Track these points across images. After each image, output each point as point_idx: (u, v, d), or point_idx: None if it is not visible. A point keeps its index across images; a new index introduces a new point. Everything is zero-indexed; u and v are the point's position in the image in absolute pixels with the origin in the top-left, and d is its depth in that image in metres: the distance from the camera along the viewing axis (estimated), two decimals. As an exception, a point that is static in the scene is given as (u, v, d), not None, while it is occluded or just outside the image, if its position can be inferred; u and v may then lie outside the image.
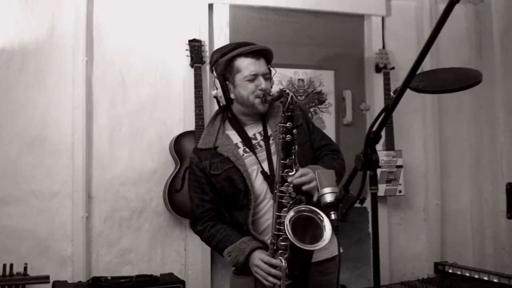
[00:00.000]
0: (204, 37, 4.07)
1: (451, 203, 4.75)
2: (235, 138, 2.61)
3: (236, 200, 2.56)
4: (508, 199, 3.70)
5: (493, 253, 4.66)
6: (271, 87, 2.62)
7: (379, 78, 4.45)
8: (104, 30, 3.97)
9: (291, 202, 2.33)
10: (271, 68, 2.63)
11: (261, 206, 2.54)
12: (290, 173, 2.34)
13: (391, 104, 1.69)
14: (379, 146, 4.42)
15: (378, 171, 4.33)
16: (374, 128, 1.75)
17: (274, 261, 2.33)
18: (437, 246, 4.62)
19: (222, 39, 4.12)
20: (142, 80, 4.04)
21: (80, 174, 3.82)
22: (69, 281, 3.67)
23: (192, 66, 3.95)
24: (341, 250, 2.66)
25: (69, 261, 3.81)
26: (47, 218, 3.80)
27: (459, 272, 4.21)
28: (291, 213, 2.23)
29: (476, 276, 4.05)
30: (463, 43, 4.83)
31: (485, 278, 3.98)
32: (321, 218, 2.20)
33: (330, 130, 4.38)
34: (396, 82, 4.46)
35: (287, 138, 2.35)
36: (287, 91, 2.38)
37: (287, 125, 2.35)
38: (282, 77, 4.29)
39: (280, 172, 2.36)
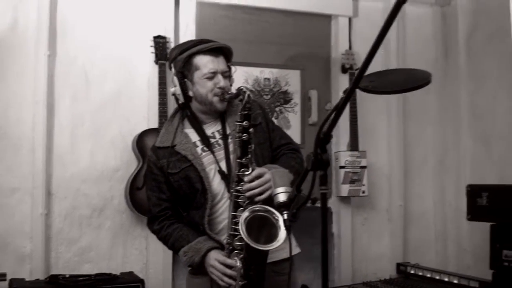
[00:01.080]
0: (169, 34, 4.02)
1: (414, 204, 4.78)
2: (194, 136, 2.59)
3: (193, 199, 2.54)
4: (468, 201, 3.74)
5: (455, 254, 4.70)
6: (231, 85, 2.60)
7: (345, 79, 4.46)
8: (68, 24, 3.91)
9: (247, 202, 2.32)
10: (231, 66, 2.61)
11: (218, 206, 2.52)
12: (246, 173, 2.33)
13: (340, 104, 1.69)
14: (343, 147, 4.44)
15: (342, 171, 4.35)
16: (325, 128, 1.74)
17: (229, 261, 2.32)
18: (400, 246, 4.65)
19: (188, 36, 4.07)
20: (106, 76, 3.98)
21: (40, 170, 3.75)
22: (27, 279, 3.60)
23: (156, 63, 3.91)
24: (298, 251, 2.68)
25: (27, 259, 3.73)
26: (6, 214, 3.72)
27: (420, 273, 4.23)
28: (246, 213, 2.21)
29: (437, 277, 4.08)
30: (430, 45, 4.87)
31: (446, 279, 4.02)
32: (276, 218, 2.19)
33: (295, 130, 4.38)
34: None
35: (244, 137, 2.34)
36: (244, 89, 2.36)
37: (244, 123, 2.34)
38: (248, 76, 4.27)
39: (236, 171, 2.35)
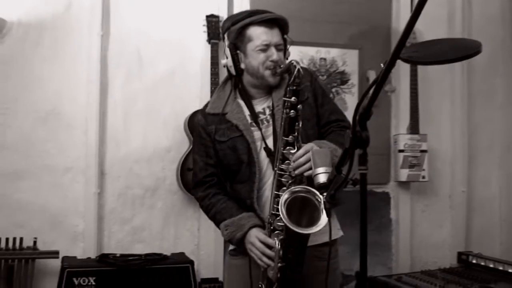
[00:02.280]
0: (222, 13, 3.95)
1: (478, 191, 4.56)
2: (245, 109, 2.48)
3: (237, 171, 2.43)
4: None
5: (521, 245, 4.47)
6: (287, 59, 2.46)
7: (405, 59, 4.26)
8: (121, 5, 3.90)
9: (290, 182, 2.21)
10: (287, 37, 2.47)
11: (262, 182, 2.41)
12: (292, 151, 2.21)
13: (380, 76, 1.55)
14: (403, 130, 4.26)
15: (401, 155, 4.18)
16: (364, 103, 1.60)
17: (269, 240, 2.21)
18: (462, 235, 4.46)
19: (242, 15, 4.00)
20: (159, 55, 3.95)
21: (93, 150, 3.77)
22: (79, 257, 3.64)
23: (209, 43, 3.85)
24: (341, 234, 2.55)
25: (80, 237, 3.78)
26: (59, 193, 3.77)
27: (483, 263, 4.04)
28: (286, 195, 2.10)
29: (500, 268, 3.88)
30: (497, 24, 4.61)
31: (510, 270, 3.81)
32: (319, 199, 2.07)
33: (352, 112, 4.20)
34: (424, 63, 4.28)
35: (291, 114, 2.20)
36: (294, 63, 2.21)
37: (292, 99, 2.20)
38: (304, 56, 4.14)
39: (282, 149, 2.23)
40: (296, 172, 2.18)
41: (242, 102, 2.49)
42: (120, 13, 3.89)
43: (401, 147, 4.18)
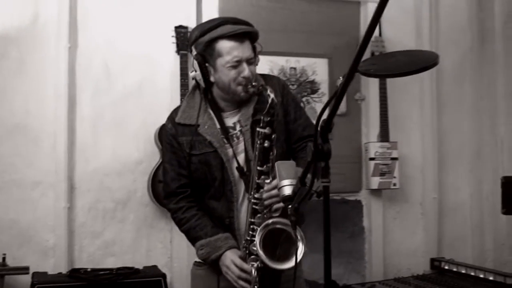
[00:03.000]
0: (191, 24, 3.93)
1: (449, 197, 4.59)
2: (217, 123, 2.38)
3: (209, 187, 2.37)
4: (503, 193, 3.56)
5: (492, 249, 4.52)
6: (256, 65, 2.38)
7: (374, 67, 4.29)
8: (88, 16, 3.86)
9: (265, 211, 2.18)
10: (257, 45, 2.37)
11: (239, 202, 2.36)
12: (267, 181, 2.17)
13: (339, 90, 1.55)
14: (373, 138, 4.29)
15: (372, 163, 4.20)
16: (325, 116, 1.61)
17: (245, 266, 2.20)
18: (434, 241, 4.48)
19: (211, 26, 4.00)
20: (128, 68, 3.92)
21: (62, 164, 3.73)
22: (50, 272, 3.58)
23: (178, 54, 3.84)
24: (304, 250, 2.51)
25: (51, 252, 3.73)
26: (29, 207, 3.72)
27: (455, 269, 4.09)
28: (261, 232, 2.10)
29: (472, 273, 3.93)
30: (465, 32, 4.66)
31: (481, 276, 3.85)
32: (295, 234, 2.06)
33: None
34: (393, 71, 4.32)
35: (265, 144, 2.15)
36: (269, 91, 2.14)
37: (266, 130, 2.15)
38: (274, 66, 4.16)
39: (256, 178, 2.19)
40: (266, 203, 2.17)
41: (213, 114, 2.40)
42: (88, 25, 3.86)
43: (372, 155, 4.20)
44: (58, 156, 3.74)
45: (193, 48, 2.35)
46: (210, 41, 2.27)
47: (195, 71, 2.35)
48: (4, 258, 3.48)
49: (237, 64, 2.26)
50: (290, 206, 1.85)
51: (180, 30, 3.85)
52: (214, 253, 2.30)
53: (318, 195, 1.78)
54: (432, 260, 4.29)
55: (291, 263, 2.07)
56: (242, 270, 2.20)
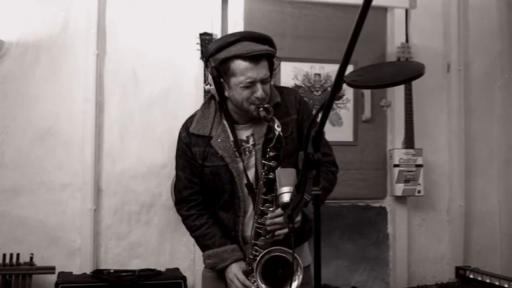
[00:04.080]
0: (216, 31, 4.02)
1: (477, 205, 4.52)
2: (231, 135, 2.39)
3: (219, 198, 2.42)
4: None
5: (522, 259, 4.42)
6: (275, 75, 2.41)
7: (400, 73, 4.27)
8: (116, 24, 3.99)
9: (267, 236, 2.23)
10: (275, 59, 2.34)
11: (247, 216, 2.39)
12: (271, 209, 2.21)
13: (327, 100, 1.58)
14: (399, 144, 4.27)
15: (396, 170, 4.18)
16: (316, 126, 1.63)
17: (247, 283, 2.27)
18: (460, 249, 4.42)
19: (236, 32, 4.06)
20: (154, 73, 4.02)
21: (90, 167, 3.85)
22: (76, 273, 3.70)
23: (202, 60, 3.91)
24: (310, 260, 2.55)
25: (77, 253, 3.86)
26: (57, 209, 3.86)
27: (480, 278, 4.03)
28: (259, 264, 2.16)
29: (497, 283, 3.87)
30: (495, 36, 4.58)
31: (506, 286, 3.79)
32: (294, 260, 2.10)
33: (347, 127, 4.26)
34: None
35: (270, 176, 2.18)
36: (275, 126, 2.15)
37: (271, 163, 2.17)
38: (298, 72, 4.19)
39: (260, 206, 2.24)
40: (268, 229, 2.20)
41: (227, 126, 2.41)
42: (116, 32, 3.98)
43: (396, 162, 4.18)
44: (86, 159, 3.86)
45: (209, 62, 2.33)
46: (225, 59, 2.24)
47: (210, 85, 2.34)
48: (31, 258, 3.62)
49: (250, 85, 2.24)
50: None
51: (204, 37, 3.91)
52: (220, 264, 2.36)
53: (305, 204, 1.79)
54: (457, 269, 4.24)
55: None
56: (244, 285, 2.28)
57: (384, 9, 4.40)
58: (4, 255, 3.60)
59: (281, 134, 2.14)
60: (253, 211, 2.31)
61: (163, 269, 3.79)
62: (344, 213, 4.31)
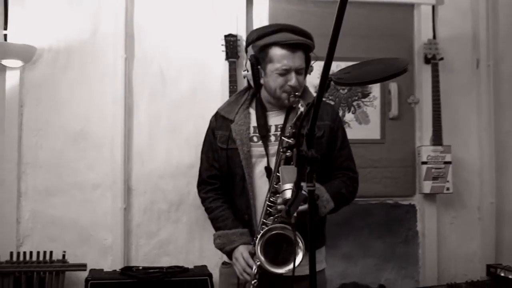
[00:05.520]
0: (241, 32, 4.07)
1: (508, 202, 4.42)
2: (253, 120, 2.51)
3: (233, 182, 2.50)
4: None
5: (555, 257, 4.32)
6: (310, 73, 2.50)
7: (427, 69, 4.25)
8: (143, 28, 4.09)
9: (277, 215, 2.28)
10: (312, 55, 2.47)
11: (259, 201, 2.44)
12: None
13: (316, 98, 1.62)
14: (427, 141, 4.24)
15: (424, 167, 4.15)
16: (307, 124, 1.67)
17: (251, 261, 2.32)
18: (492, 247, 4.36)
19: (262, 33, 4.11)
20: (181, 75, 4.11)
21: (120, 167, 3.96)
22: (106, 270, 3.82)
23: (227, 61, 3.98)
24: (324, 266, 2.57)
25: (109, 250, 3.97)
26: (89, 208, 3.98)
27: (510, 276, 3.96)
28: (263, 239, 2.23)
29: (528, 281, 3.81)
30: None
31: (536, 284, 3.73)
32: (297, 238, 2.15)
33: (374, 125, 4.25)
34: (446, 73, 4.26)
35: (288, 153, 2.24)
36: (300, 104, 2.27)
37: (290, 140, 2.24)
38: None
39: (274, 183, 2.30)
40: (279, 208, 2.25)
41: (253, 112, 2.53)
42: (143, 35, 4.09)
43: (424, 159, 4.15)
44: (116, 159, 3.97)
45: (249, 49, 2.51)
46: (264, 46, 2.39)
47: (247, 71, 2.48)
48: (64, 255, 3.75)
49: (285, 72, 2.37)
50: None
51: (229, 39, 3.98)
52: (228, 245, 2.44)
53: (304, 200, 1.81)
54: (488, 267, 4.18)
55: (288, 267, 2.17)
56: (248, 264, 2.33)
57: (411, 6, 4.37)
58: (38, 252, 3.74)
59: (303, 112, 2.20)
60: (265, 197, 2.36)
61: (191, 267, 3.88)
62: (372, 211, 4.31)
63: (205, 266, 3.92)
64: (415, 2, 4.35)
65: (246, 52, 2.56)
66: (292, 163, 2.20)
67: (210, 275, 3.68)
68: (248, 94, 2.58)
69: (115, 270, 3.78)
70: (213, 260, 4.04)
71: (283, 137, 2.29)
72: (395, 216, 4.34)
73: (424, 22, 4.34)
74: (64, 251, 3.76)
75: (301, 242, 2.18)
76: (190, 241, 4.09)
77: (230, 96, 3.86)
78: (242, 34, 4.07)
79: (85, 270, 3.73)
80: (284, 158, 2.25)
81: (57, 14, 3.99)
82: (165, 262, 4.00)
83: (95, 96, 4.01)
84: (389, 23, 4.34)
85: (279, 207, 2.25)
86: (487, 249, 4.36)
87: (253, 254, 2.33)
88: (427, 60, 4.25)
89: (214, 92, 4.09)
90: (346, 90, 4.24)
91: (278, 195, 2.25)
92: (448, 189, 4.18)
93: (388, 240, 4.32)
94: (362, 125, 4.26)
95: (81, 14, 4.01)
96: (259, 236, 2.23)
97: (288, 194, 2.00)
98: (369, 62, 1.90)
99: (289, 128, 2.29)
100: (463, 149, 4.38)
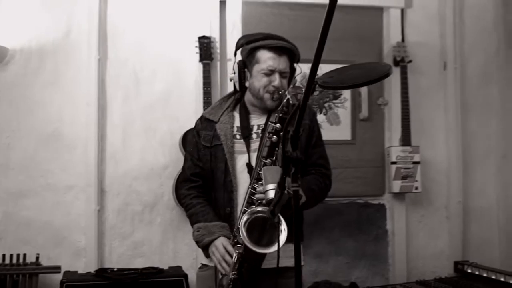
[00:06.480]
0: (215, 34, 4.11)
1: (475, 201, 4.59)
2: (237, 121, 2.65)
3: (213, 177, 2.59)
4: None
5: (520, 254, 4.48)
6: (293, 86, 2.67)
7: (396, 72, 4.34)
8: (117, 28, 4.09)
9: (259, 201, 2.34)
10: (296, 66, 2.69)
11: (238, 193, 2.53)
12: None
13: (301, 101, 1.67)
14: (396, 142, 4.34)
15: (394, 167, 4.25)
16: (292, 126, 1.73)
17: (230, 248, 2.37)
18: (459, 244, 4.49)
19: (235, 35, 4.15)
20: (155, 76, 4.13)
21: (94, 169, 3.95)
22: (80, 272, 3.81)
23: (201, 63, 4.00)
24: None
25: (82, 252, 3.96)
26: (62, 210, 3.96)
27: (477, 272, 4.08)
28: (246, 216, 2.27)
29: (494, 277, 3.92)
30: (490, 34, 4.64)
31: (501, 279, 3.85)
32: (279, 221, 2.20)
33: (345, 126, 4.33)
34: (414, 75, 4.37)
35: (273, 139, 2.34)
36: (287, 93, 2.40)
37: (277, 125, 2.35)
38: (296, 72, 4.25)
39: (258, 170, 2.37)
40: (257, 196, 2.34)
41: (237, 115, 2.66)
42: (117, 37, 4.09)
43: (394, 159, 4.26)
44: (90, 161, 3.96)
45: (237, 53, 2.67)
46: (252, 49, 2.58)
47: (234, 73, 2.65)
48: (37, 258, 3.73)
49: (270, 73, 2.55)
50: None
51: (203, 41, 4.01)
52: (207, 237, 2.47)
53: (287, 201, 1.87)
54: (456, 263, 4.30)
55: (270, 249, 2.22)
56: (227, 252, 2.37)
57: (380, 9, 4.47)
58: (11, 255, 3.70)
59: (290, 99, 2.37)
60: (248, 189, 2.44)
61: (166, 268, 3.89)
62: (343, 210, 4.39)
63: (179, 267, 3.94)
64: (384, 5, 4.45)
65: (235, 55, 2.69)
66: (277, 149, 2.34)
67: (186, 276, 3.70)
68: (233, 99, 2.72)
69: (90, 272, 3.77)
70: (187, 260, 4.08)
71: (269, 122, 2.42)
72: (366, 215, 4.43)
73: (393, 25, 4.44)
74: (38, 254, 3.73)
75: (284, 223, 2.23)
76: (164, 242, 4.10)
77: (204, 97, 3.94)
78: (216, 36, 4.11)
79: (59, 272, 3.71)
80: (269, 144, 2.36)
81: (29, 14, 3.96)
82: (139, 263, 4.00)
83: (68, 97, 3.99)
84: (359, 26, 4.42)
85: (259, 195, 2.32)
86: (454, 246, 4.49)
87: (233, 245, 2.38)
88: (396, 63, 4.35)
89: (188, 93, 4.12)
90: (317, 92, 4.31)
91: (260, 182, 2.32)
92: (416, 188, 4.29)
93: (358, 239, 4.41)
94: (333, 126, 4.34)
95: (54, 15, 3.99)
96: (242, 219, 2.27)
97: (271, 194, 2.05)
98: (351, 67, 1.97)
99: (275, 114, 2.40)
100: (431, 149, 4.50)
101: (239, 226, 2.25)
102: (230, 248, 2.37)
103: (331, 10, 1.41)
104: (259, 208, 2.29)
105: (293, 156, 1.74)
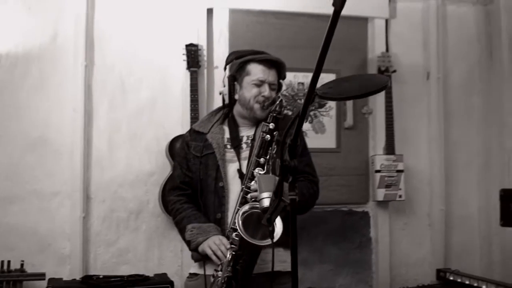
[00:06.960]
0: (202, 42, 4.13)
1: (457, 209, 4.66)
2: (227, 133, 2.70)
3: (205, 184, 2.62)
4: (501, 205, 3.63)
5: (500, 261, 4.54)
6: (279, 100, 2.66)
7: (381, 82, 4.39)
8: (104, 35, 4.08)
9: (253, 200, 2.37)
10: (281, 82, 2.76)
11: (230, 199, 2.56)
12: (261, 172, 2.40)
13: (301, 110, 1.70)
14: (380, 150, 4.39)
15: (378, 175, 4.31)
16: (291, 135, 1.75)
17: (225, 241, 2.40)
18: (441, 252, 4.55)
19: (222, 43, 4.19)
20: (142, 83, 4.13)
21: (79, 175, 3.94)
22: (65, 279, 3.78)
23: (188, 70, 4.02)
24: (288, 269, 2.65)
25: (67, 259, 3.93)
26: (47, 217, 3.93)
27: (459, 280, 4.14)
28: (246, 207, 2.32)
29: (475, 284, 3.98)
30: (473, 46, 4.73)
31: (483, 287, 3.91)
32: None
33: (330, 134, 4.38)
34: (398, 85, 4.43)
35: (267, 138, 2.44)
36: (280, 95, 2.56)
37: (271, 125, 2.45)
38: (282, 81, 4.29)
39: (252, 168, 2.43)
40: (250, 195, 2.39)
41: (226, 129, 2.71)
42: (104, 43, 4.08)
43: (378, 168, 4.31)
44: (75, 167, 3.95)
45: (228, 67, 2.74)
46: (243, 62, 2.67)
47: (224, 87, 2.73)
48: (22, 265, 3.70)
49: (260, 84, 2.63)
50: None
51: (190, 48, 4.03)
52: (201, 236, 2.49)
53: (284, 208, 1.89)
54: (438, 271, 4.35)
55: (264, 242, 2.25)
56: (221, 242, 2.40)
57: (364, 20, 4.52)
58: (-5, 262, 3.69)
59: (283, 100, 2.52)
60: (237, 197, 2.48)
61: (151, 275, 3.88)
62: (327, 218, 4.43)
63: (165, 274, 3.94)
64: (369, 16, 4.51)
65: (225, 70, 2.76)
66: (270, 148, 2.43)
67: (172, 283, 3.70)
68: (222, 113, 2.78)
69: (75, 279, 3.74)
70: (172, 268, 4.08)
71: (264, 122, 2.49)
72: (350, 223, 4.47)
73: (377, 35, 4.51)
74: (22, 261, 3.70)
75: (279, 218, 2.23)
76: (149, 249, 4.09)
77: (191, 105, 3.96)
78: (203, 44, 4.13)
79: (43, 279, 3.67)
80: (263, 141, 2.43)
81: (16, 19, 3.94)
82: (124, 270, 3.98)
83: (54, 102, 3.97)
84: (344, 36, 4.46)
85: (253, 193, 2.37)
86: (436, 254, 4.55)
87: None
88: (380, 72, 4.39)
89: (175, 100, 4.13)
90: (303, 100, 4.33)
91: (254, 181, 2.38)
92: (400, 196, 4.35)
93: (342, 246, 4.45)
94: (319, 134, 4.38)
95: (41, 19, 3.97)
96: (239, 213, 2.31)
97: (266, 203, 2.08)
98: (349, 78, 2.01)
99: (269, 114, 2.48)
100: (414, 158, 4.57)
101: (237, 217, 2.30)
102: (225, 241, 2.40)
103: (334, 20, 1.44)
104: (257, 205, 2.30)
105: (291, 165, 1.76)
